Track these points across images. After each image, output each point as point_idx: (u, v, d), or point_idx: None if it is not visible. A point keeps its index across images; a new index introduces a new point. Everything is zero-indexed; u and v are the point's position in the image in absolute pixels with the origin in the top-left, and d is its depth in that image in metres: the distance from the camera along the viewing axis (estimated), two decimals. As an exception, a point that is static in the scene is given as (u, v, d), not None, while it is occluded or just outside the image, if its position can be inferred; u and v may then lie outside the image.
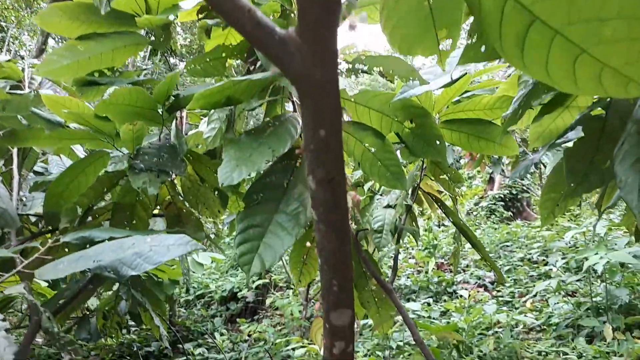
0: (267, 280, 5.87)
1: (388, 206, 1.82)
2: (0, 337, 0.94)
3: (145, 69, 2.42)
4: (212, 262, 5.98)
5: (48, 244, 1.19)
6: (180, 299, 5.92)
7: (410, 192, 1.88)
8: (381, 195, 1.87)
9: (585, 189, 1.13)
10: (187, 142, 1.71)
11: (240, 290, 5.85)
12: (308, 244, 2.05)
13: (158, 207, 1.76)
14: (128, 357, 4.70)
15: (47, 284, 2.30)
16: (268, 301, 5.32)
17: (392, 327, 1.80)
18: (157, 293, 3.58)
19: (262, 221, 1.41)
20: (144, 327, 5.32)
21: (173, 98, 1.49)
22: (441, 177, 1.86)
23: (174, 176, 1.86)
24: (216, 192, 1.95)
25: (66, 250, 1.45)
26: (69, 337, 0.98)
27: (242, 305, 5.73)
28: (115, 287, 3.31)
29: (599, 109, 1.33)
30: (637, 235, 1.67)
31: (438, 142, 1.55)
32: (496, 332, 3.45)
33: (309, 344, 3.36)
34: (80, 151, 1.95)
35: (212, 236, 8.25)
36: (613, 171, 0.94)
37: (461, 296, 4.29)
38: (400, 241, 1.73)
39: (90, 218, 1.52)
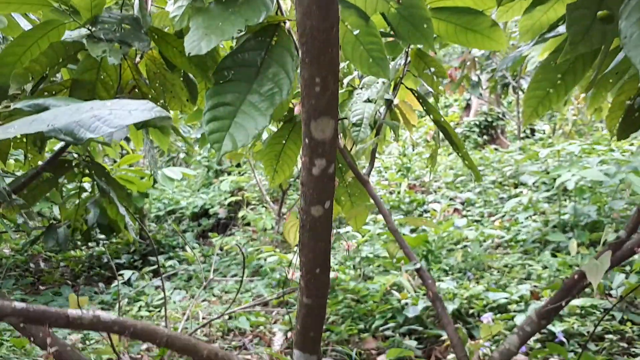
0: (239, 198, 5.84)
1: (368, 100, 1.73)
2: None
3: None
4: (183, 178, 5.88)
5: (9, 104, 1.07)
6: (151, 214, 5.87)
7: (392, 87, 1.79)
8: (361, 89, 1.78)
9: (585, 46, 1.06)
10: (151, 18, 1.56)
11: (212, 207, 5.82)
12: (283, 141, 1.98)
13: (121, 91, 1.63)
14: (98, 268, 4.69)
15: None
16: (240, 214, 5.31)
17: (365, 221, 1.78)
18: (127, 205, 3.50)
19: (233, 100, 1.30)
20: (114, 240, 5.28)
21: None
22: (424, 71, 1.77)
23: (138, 59, 1.71)
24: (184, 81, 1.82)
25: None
26: (22, 201, 0.89)
27: (214, 222, 5.72)
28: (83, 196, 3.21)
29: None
30: (619, 131, 1.64)
31: (426, 26, 1.45)
32: (465, 246, 3.52)
33: (281, 252, 3.39)
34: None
35: (183, 155, 8.13)
36: (617, 29, 0.87)
37: (434, 210, 4.34)
38: (380, 135, 1.66)
39: (45, 94, 1.39)
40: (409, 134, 7.78)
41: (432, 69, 1.75)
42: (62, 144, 1.55)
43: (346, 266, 3.24)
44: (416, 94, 1.81)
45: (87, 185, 4.03)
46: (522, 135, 8.69)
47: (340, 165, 1.77)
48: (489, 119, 9.18)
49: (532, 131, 9.04)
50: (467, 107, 9.52)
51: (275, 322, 2.76)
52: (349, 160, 1.52)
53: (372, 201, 1.59)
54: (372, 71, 1.48)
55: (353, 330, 2.37)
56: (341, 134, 1.73)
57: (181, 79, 1.83)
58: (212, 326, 2.66)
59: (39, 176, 1.42)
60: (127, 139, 6.32)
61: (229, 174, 6.72)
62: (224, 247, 4.61)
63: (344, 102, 1.81)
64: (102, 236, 4.96)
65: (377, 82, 1.78)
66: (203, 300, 3.43)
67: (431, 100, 1.84)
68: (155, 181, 4.60)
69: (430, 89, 1.84)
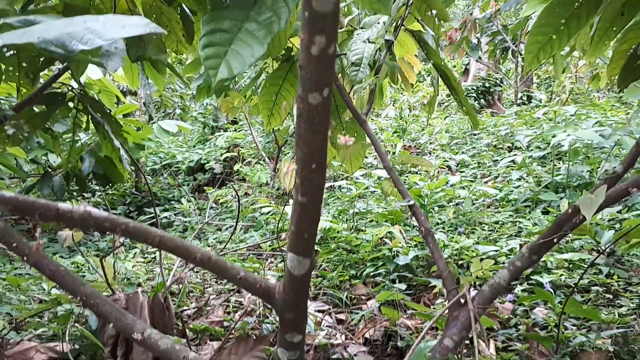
0: (235, 154, 5.83)
1: (368, 41, 1.70)
2: None
3: None
4: (178, 134, 5.84)
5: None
6: (147, 168, 5.86)
7: (392, 28, 1.76)
8: (361, 29, 1.75)
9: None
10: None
11: (208, 162, 5.81)
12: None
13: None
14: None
15: None
16: (235, 167, 5.31)
17: (361, 164, 1.79)
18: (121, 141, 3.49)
19: (230, 27, 1.28)
20: (109, 191, 5.29)
21: None
22: (427, 13, 1.73)
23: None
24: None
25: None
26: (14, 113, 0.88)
27: (210, 176, 5.73)
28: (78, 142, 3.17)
29: None
30: (620, 79, 1.63)
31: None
32: (457, 204, 3.55)
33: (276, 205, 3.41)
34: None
35: (179, 111, 8.05)
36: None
37: (426, 171, 4.36)
38: (379, 75, 1.64)
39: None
40: (407, 97, 7.73)
41: (435, 11, 1.72)
42: (55, 73, 1.52)
43: (339, 219, 3.26)
44: (417, 37, 1.78)
45: (82, 137, 4.00)
46: (518, 102, 8.65)
47: (337, 106, 1.76)
48: (487, 85, 9.12)
49: (529, 98, 9.00)
50: (466, 71, 9.43)
51: (269, 270, 2.80)
52: (347, 99, 1.51)
53: (368, 141, 1.59)
54: (374, 7, 1.45)
55: (344, 277, 2.41)
56: (339, 74, 1.72)
57: (178, 14, 1.79)
58: (206, 272, 2.70)
59: (29, 104, 1.40)
60: (125, 93, 6.23)
61: (225, 130, 6.69)
62: (219, 200, 4.63)
63: (343, 42, 1.79)
64: (98, 188, 4.96)
65: (378, 23, 1.75)
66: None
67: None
68: (151, 117, 4.55)
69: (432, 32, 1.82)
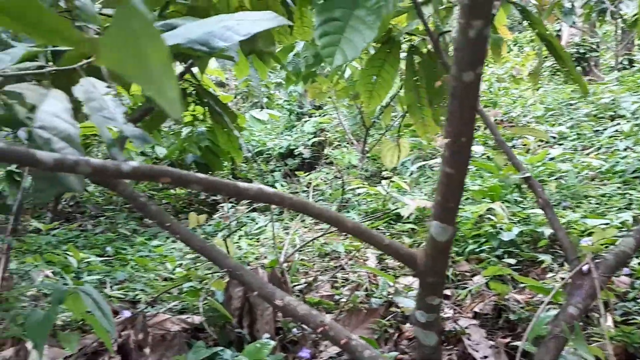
0: (322, 138, 5.95)
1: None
2: (108, 100, 0.98)
3: None
4: (267, 121, 6.06)
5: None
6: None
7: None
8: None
9: None
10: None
11: (297, 148, 5.99)
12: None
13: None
14: (197, 204, 5.05)
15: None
16: (326, 151, 5.44)
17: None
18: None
19: (341, 15, 1.36)
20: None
21: None
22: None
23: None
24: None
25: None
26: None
27: (299, 161, 5.90)
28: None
29: None
30: None
31: None
32: (558, 177, 3.42)
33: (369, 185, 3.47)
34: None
35: (265, 100, 8.34)
36: None
37: (523, 143, 4.21)
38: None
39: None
40: (493, 70, 7.44)
41: (538, -21, 1.68)
42: (179, 71, 1.68)
43: (432, 198, 3.26)
44: (519, 7, 1.75)
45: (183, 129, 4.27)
46: (619, 67, 8.03)
47: (441, 83, 1.78)
48: (581, 51, 8.54)
49: (631, 62, 8.31)
50: (557, 37, 8.87)
51: (367, 247, 2.88)
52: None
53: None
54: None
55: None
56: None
57: (281, 5, 1.89)
58: (310, 251, 2.83)
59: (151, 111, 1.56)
60: (222, 84, 6.56)
61: (310, 116, 6.84)
62: (311, 184, 4.77)
63: (443, 18, 1.80)
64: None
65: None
66: (295, 231, 3.63)
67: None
68: (262, 107, 4.78)
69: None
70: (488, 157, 3.85)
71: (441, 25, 1.70)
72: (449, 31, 1.61)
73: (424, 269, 0.80)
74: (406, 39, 2.01)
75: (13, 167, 2.77)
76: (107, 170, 0.65)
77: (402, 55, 1.90)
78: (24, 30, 0.72)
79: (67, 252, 3.16)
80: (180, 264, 2.74)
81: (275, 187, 5.02)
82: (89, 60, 1.07)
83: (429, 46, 1.77)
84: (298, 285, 2.33)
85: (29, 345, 1.90)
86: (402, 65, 1.93)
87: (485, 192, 3.04)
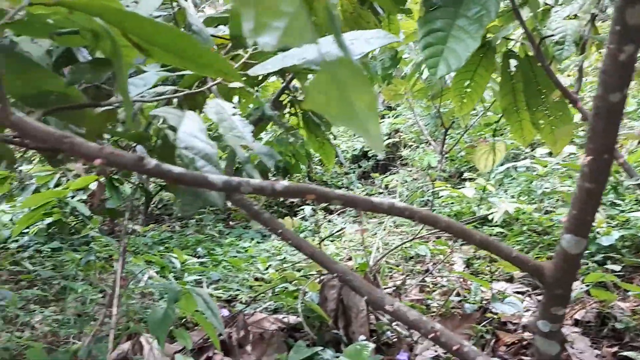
0: (396, 139, 5.94)
1: (569, 17, 1.66)
2: (235, 120, 1.06)
3: None
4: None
5: (249, 51, 1.27)
6: (315, 158, 6.25)
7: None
8: (560, 5, 1.71)
9: None
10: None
11: (371, 149, 6.01)
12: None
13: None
14: (276, 207, 5.21)
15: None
16: (403, 152, 5.42)
17: (566, 144, 1.75)
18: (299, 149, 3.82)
19: (443, 26, 1.38)
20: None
21: None
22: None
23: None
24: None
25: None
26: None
27: (373, 163, 5.92)
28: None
29: None
30: None
31: None
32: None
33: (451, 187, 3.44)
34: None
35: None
36: None
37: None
38: (585, 53, 1.60)
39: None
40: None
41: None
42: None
43: (522, 201, 3.18)
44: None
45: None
46: None
47: (539, 87, 1.75)
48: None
49: None
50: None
51: (451, 252, 2.86)
52: (555, 79, 1.50)
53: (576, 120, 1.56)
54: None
55: (541, 259, 2.37)
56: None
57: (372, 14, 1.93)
58: (397, 255, 2.85)
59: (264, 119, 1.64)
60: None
61: (383, 117, 6.83)
62: (387, 185, 4.79)
63: (540, 21, 1.76)
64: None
65: (578, -2, 1.70)
66: (374, 234, 3.66)
67: None
68: None
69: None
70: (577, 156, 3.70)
71: (540, 27, 1.67)
72: (552, 35, 1.58)
73: (552, 281, 0.81)
74: (500, 42, 1.99)
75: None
76: (264, 190, 0.71)
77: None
78: (182, 64, 0.81)
79: (163, 253, 3.38)
80: (269, 265, 2.85)
81: (352, 190, 5.08)
82: (216, 82, 1.16)
83: (528, 50, 1.75)
84: (386, 288, 2.36)
85: (142, 339, 2.06)
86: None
87: (577, 194, 2.92)
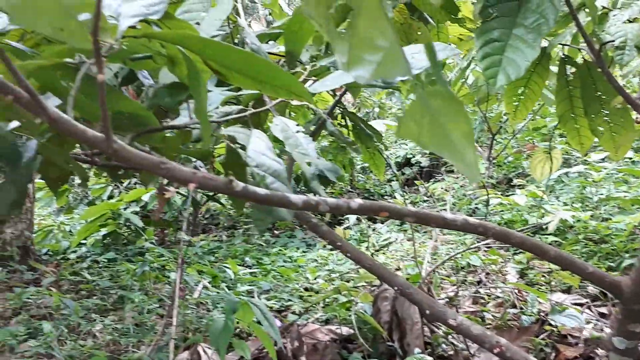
0: (440, 146, 5.87)
1: (629, 21, 1.62)
2: (300, 137, 1.08)
3: None
4: (386, 129, 6.11)
5: (307, 69, 1.30)
6: (357, 166, 6.26)
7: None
8: (619, 9, 1.66)
9: None
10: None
11: (414, 157, 5.97)
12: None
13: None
14: (319, 215, 5.23)
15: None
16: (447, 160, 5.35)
17: (627, 151, 1.69)
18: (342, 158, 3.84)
19: (500, 35, 1.37)
20: (327, 190, 5.81)
21: None
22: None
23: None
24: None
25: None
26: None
27: (417, 170, 5.87)
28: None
29: None
30: None
31: None
32: None
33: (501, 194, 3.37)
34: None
35: (377, 109, 8.40)
36: None
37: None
38: (648, 56, 1.55)
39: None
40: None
41: None
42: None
43: (575, 208, 3.09)
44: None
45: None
46: None
47: (598, 92, 1.71)
48: None
49: None
50: None
51: (505, 262, 2.80)
52: (617, 85, 1.45)
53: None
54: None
55: (601, 268, 2.29)
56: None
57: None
58: (448, 266, 2.82)
59: (322, 128, 1.67)
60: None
61: (425, 123, 6.77)
62: (432, 193, 4.73)
63: (598, 26, 1.72)
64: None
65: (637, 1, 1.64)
66: (423, 243, 3.62)
67: None
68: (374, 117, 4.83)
69: None
70: (633, 160, 3.56)
71: (598, 32, 1.63)
72: (612, 41, 1.53)
73: (630, 296, 0.79)
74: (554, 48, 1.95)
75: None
76: (340, 208, 0.73)
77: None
78: (258, 87, 0.84)
79: (213, 262, 3.46)
80: (318, 275, 2.87)
81: (395, 197, 5.05)
82: (278, 101, 1.19)
83: (585, 56, 1.71)
84: (439, 300, 2.34)
85: (200, 349, 2.11)
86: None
87: (635, 200, 2.81)
